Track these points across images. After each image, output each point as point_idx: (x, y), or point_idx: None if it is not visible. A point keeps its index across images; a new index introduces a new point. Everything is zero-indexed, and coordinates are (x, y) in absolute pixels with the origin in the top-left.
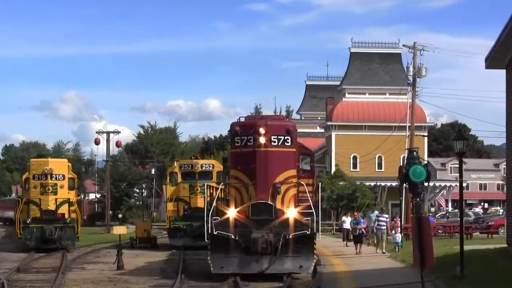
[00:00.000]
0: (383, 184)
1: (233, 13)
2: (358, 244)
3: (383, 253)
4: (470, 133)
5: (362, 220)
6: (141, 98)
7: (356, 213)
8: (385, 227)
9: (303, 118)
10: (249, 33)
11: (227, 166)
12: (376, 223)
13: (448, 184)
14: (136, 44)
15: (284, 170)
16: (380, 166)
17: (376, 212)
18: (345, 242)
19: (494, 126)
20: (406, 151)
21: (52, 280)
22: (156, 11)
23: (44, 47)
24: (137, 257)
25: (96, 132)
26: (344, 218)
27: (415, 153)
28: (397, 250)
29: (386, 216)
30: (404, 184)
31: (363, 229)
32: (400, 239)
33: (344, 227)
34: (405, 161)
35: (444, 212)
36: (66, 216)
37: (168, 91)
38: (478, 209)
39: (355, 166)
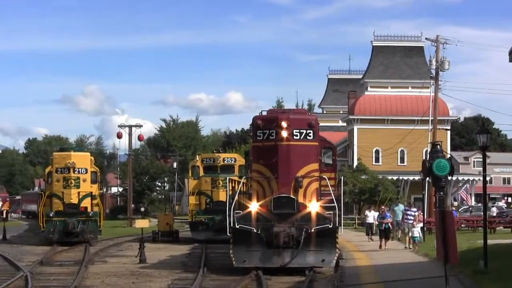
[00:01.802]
0: (405, 178)
1: (253, 6)
2: (384, 239)
3: (409, 247)
4: (494, 126)
5: (388, 214)
6: (162, 91)
7: (383, 207)
8: (412, 221)
9: (325, 112)
10: (270, 26)
11: (249, 160)
12: (404, 216)
13: (471, 178)
14: (157, 37)
15: (306, 164)
16: (402, 160)
17: (401, 206)
18: (368, 237)
19: None
20: (430, 145)
21: (74, 273)
22: (178, 3)
23: (65, 40)
24: (159, 251)
25: (118, 126)
26: (367, 212)
27: (438, 147)
28: (414, 245)
29: (415, 209)
30: (428, 178)
31: (389, 224)
32: (418, 234)
33: (368, 221)
34: (429, 155)
35: (467, 206)
36: (89, 209)
37: (189, 84)
38: (502, 203)
39: (377, 160)
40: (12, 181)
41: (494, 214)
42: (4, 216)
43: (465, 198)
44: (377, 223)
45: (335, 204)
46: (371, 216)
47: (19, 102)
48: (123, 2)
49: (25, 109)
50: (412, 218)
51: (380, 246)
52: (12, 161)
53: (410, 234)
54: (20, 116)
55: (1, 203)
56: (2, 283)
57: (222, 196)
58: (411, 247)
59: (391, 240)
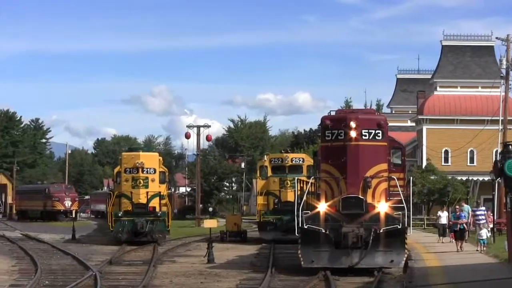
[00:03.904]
0: (475, 178)
1: (323, 7)
2: (459, 241)
3: (477, 249)
4: None
5: (463, 215)
6: (230, 91)
7: (457, 207)
8: (483, 221)
9: (393, 112)
10: (339, 25)
11: (317, 160)
12: (474, 217)
13: None
14: (225, 37)
15: (375, 164)
16: (472, 161)
17: (466, 207)
18: (440, 238)
19: None
20: (501, 145)
21: (143, 272)
22: (245, 4)
23: (133, 41)
24: (227, 251)
25: (187, 126)
26: (440, 213)
27: (510, 147)
28: (481, 247)
29: (483, 209)
30: (499, 179)
31: (464, 224)
32: (486, 236)
33: (440, 222)
34: (500, 155)
35: None
36: (157, 209)
37: (257, 84)
38: None
39: (446, 160)
40: (81, 181)
41: None
42: (73, 215)
43: None
44: (451, 223)
45: (404, 204)
46: (444, 217)
47: (88, 102)
48: (192, 4)
49: (94, 109)
50: (483, 218)
51: (458, 249)
52: (81, 161)
53: (476, 236)
54: (89, 116)
55: (71, 203)
56: (71, 282)
57: (290, 196)
58: (478, 249)
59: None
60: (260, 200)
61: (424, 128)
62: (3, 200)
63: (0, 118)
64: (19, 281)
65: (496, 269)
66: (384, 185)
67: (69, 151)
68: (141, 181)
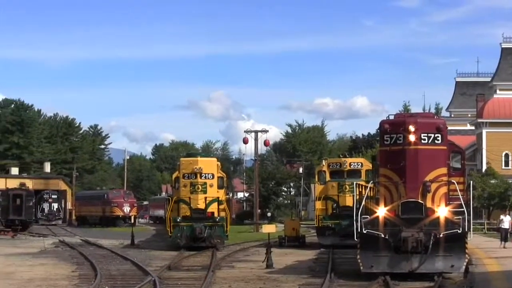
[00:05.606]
0: None
1: (381, 10)
2: None
3: None
4: None
5: None
6: (287, 96)
7: None
8: None
9: (452, 116)
10: (397, 29)
11: (376, 165)
12: None
13: None
14: (282, 41)
15: (435, 168)
16: None
17: None
18: (502, 244)
19: None
20: None
21: (202, 278)
22: (303, 8)
23: (190, 46)
24: (286, 256)
25: (244, 131)
26: (502, 217)
27: None
28: None
29: None
30: None
31: None
32: None
33: (502, 226)
34: None
35: None
36: (216, 214)
37: (314, 89)
38: None
39: (507, 164)
40: (139, 186)
41: None
42: (132, 221)
43: None
44: None
45: (464, 209)
46: (507, 221)
47: (146, 108)
48: (248, 9)
49: (152, 115)
50: None
51: None
52: (139, 167)
53: None
54: (147, 122)
55: (129, 208)
56: (131, 287)
57: (349, 201)
58: None
59: None
60: (319, 205)
61: (484, 131)
62: (63, 206)
63: (60, 124)
64: (79, 286)
65: None
66: (443, 190)
67: (128, 157)
68: (200, 186)
